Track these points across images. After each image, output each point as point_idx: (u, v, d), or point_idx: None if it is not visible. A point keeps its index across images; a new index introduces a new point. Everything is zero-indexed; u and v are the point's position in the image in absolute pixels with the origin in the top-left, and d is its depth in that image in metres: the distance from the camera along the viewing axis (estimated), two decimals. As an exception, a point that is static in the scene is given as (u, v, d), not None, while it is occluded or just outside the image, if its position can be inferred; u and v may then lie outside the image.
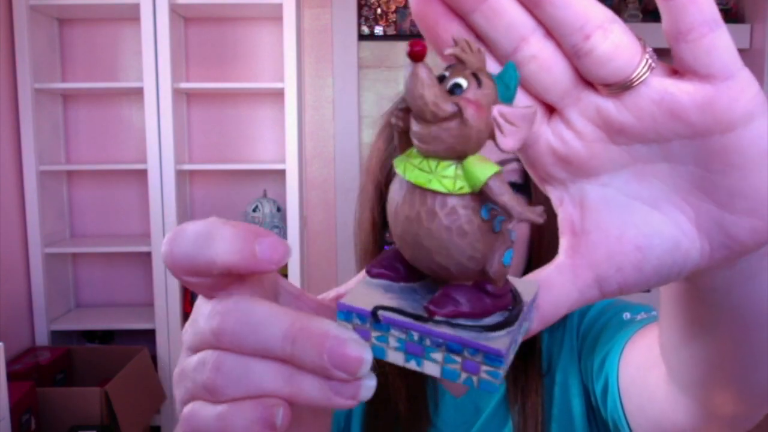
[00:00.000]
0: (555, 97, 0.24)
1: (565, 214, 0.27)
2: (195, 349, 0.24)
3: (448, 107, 0.21)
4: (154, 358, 2.17)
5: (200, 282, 0.23)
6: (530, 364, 0.66)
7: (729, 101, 0.22)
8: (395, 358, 0.23)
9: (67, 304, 2.32)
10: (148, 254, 2.16)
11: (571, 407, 0.66)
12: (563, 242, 0.27)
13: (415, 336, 0.22)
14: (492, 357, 0.21)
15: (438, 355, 0.22)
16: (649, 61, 0.22)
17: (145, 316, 2.21)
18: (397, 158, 0.24)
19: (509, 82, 0.22)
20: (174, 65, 2.10)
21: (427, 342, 0.22)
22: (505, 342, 0.22)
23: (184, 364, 0.24)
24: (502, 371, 0.22)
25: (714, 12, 0.21)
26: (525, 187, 0.62)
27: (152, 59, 2.07)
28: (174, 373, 0.25)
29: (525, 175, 0.62)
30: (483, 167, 0.21)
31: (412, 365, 0.23)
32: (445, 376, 0.22)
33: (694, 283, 0.29)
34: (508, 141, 0.22)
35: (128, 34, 2.28)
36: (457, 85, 0.21)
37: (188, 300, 2.28)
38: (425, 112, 0.21)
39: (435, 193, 0.22)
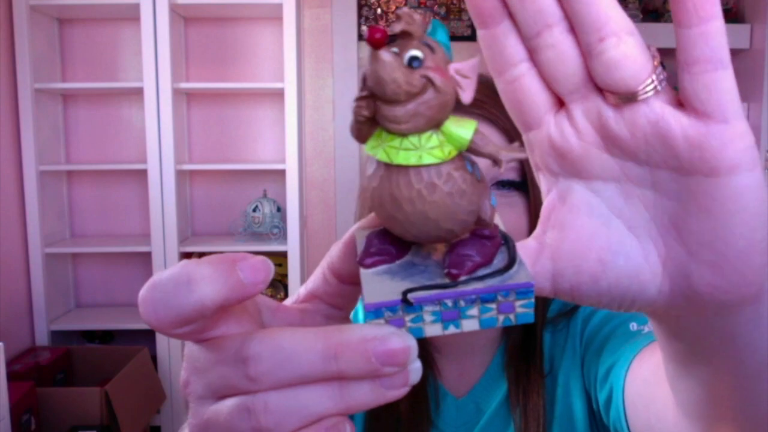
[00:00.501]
0: (564, 89, 0.25)
1: (548, 203, 0.28)
2: (216, 397, 0.23)
3: (419, 81, 0.21)
4: (154, 358, 2.17)
5: (191, 330, 0.22)
6: (532, 365, 0.66)
7: (718, 145, 0.22)
8: (433, 331, 0.23)
9: (67, 304, 2.32)
10: (148, 254, 2.16)
11: (572, 409, 0.65)
12: (538, 228, 0.28)
13: (449, 303, 0.23)
14: (523, 291, 0.23)
15: (474, 311, 0.23)
16: (655, 82, 0.23)
17: (145, 316, 2.21)
18: (369, 147, 0.23)
19: (444, 40, 0.23)
20: (174, 65, 2.10)
21: (461, 303, 0.23)
22: (526, 272, 0.23)
23: (208, 414, 0.23)
24: (533, 299, 0.23)
25: (723, 53, 0.21)
26: (523, 185, 0.63)
27: (152, 59, 2.07)
28: (192, 425, 0.24)
29: (522, 173, 0.63)
30: (462, 127, 0.23)
31: (451, 330, 0.23)
32: (483, 326, 0.23)
33: (662, 321, 0.29)
34: (467, 94, 0.22)
35: (128, 34, 2.28)
36: (414, 58, 0.21)
37: (188, 300, 2.28)
38: (399, 94, 0.21)
39: (428, 166, 0.22)
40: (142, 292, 0.22)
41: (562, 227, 0.27)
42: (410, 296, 0.22)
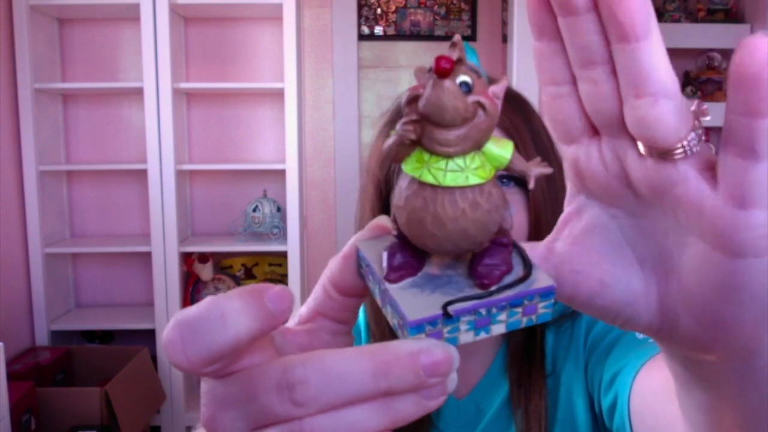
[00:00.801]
0: (598, 123, 0.25)
1: (566, 214, 0.28)
2: (252, 428, 0.23)
3: (472, 107, 0.22)
4: (154, 358, 2.17)
5: (220, 366, 0.22)
6: (534, 366, 0.66)
7: (730, 228, 0.22)
8: (466, 338, 0.24)
9: (67, 304, 2.32)
10: (148, 254, 2.16)
11: (575, 411, 0.65)
12: (551, 235, 0.29)
13: (483, 312, 0.24)
14: (546, 293, 0.24)
15: (503, 316, 0.24)
16: (686, 147, 0.23)
17: (145, 316, 2.21)
18: (410, 168, 0.24)
19: (476, 63, 0.24)
20: (174, 65, 2.10)
21: (494, 310, 0.24)
22: (545, 276, 0.25)
23: None
24: (554, 300, 0.24)
25: (763, 148, 0.21)
26: (523, 181, 0.63)
27: (152, 59, 2.07)
28: None
29: None
30: (502, 147, 0.24)
31: (482, 336, 0.24)
32: (509, 328, 0.24)
33: (658, 342, 0.29)
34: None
35: (128, 34, 2.28)
36: (465, 83, 0.22)
37: (188, 300, 2.28)
38: (457, 119, 0.22)
39: (473, 186, 0.23)
40: (169, 333, 0.22)
41: (573, 241, 0.27)
42: (450, 309, 0.23)
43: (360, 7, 2.74)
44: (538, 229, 0.63)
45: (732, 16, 2.61)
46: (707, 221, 0.22)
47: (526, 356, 0.66)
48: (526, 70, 2.27)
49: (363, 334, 0.72)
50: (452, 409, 0.69)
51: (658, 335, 0.27)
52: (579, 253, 0.27)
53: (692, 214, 0.23)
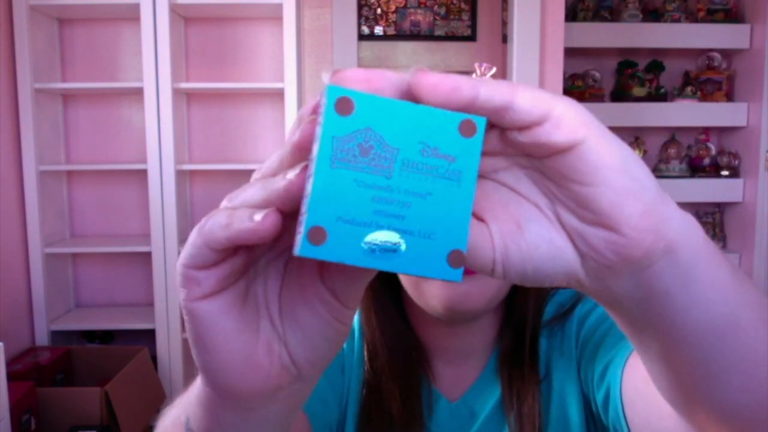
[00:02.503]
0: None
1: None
2: None
3: None
4: (154, 358, 2.17)
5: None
6: (526, 368, 0.66)
7: (548, 132, 0.25)
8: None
9: (67, 304, 2.32)
10: (148, 254, 2.16)
11: (568, 415, 0.65)
12: None
13: None
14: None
15: None
16: None
17: (145, 316, 2.21)
18: None
19: None
20: (174, 65, 2.10)
21: None
22: None
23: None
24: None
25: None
26: None
27: (152, 59, 2.07)
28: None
29: None
30: None
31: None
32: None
33: (604, 298, 0.31)
34: None
35: (128, 34, 2.28)
36: None
37: (188, 300, 2.27)
38: None
39: None
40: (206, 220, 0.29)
41: (500, 208, 0.30)
42: None
43: (360, 7, 2.74)
44: None
45: (732, 16, 2.61)
46: (529, 136, 0.27)
47: (517, 358, 0.66)
48: (526, 70, 2.27)
49: (357, 336, 0.71)
50: (445, 412, 0.68)
51: (588, 271, 0.28)
52: (504, 216, 0.29)
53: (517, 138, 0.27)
